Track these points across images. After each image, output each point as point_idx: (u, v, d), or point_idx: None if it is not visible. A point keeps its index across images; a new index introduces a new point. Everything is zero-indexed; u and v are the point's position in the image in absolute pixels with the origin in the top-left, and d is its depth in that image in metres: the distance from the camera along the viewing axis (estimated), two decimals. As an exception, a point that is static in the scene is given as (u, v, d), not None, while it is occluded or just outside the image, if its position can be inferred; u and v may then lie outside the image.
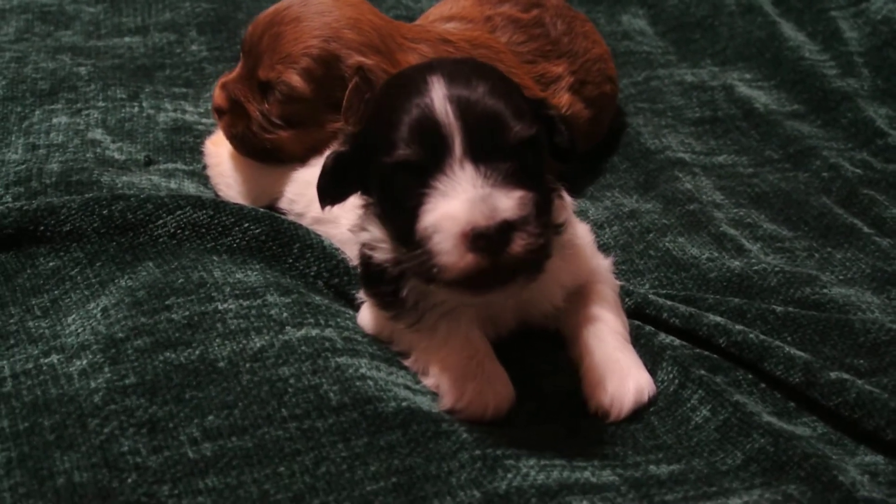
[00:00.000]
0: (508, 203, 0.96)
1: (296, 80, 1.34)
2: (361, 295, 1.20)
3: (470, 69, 1.05)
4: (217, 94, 1.43)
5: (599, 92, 1.67)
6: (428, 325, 1.13)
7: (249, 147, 1.43)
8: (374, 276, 1.14)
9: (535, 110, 1.08)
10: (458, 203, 0.96)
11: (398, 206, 1.03)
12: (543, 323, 1.23)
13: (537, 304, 1.19)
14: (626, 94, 1.93)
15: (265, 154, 1.42)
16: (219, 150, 1.53)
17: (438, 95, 1.00)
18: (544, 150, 1.09)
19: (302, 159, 1.39)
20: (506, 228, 0.96)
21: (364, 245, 1.14)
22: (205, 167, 1.58)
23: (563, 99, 1.59)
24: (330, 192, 1.11)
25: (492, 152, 0.99)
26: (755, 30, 2.09)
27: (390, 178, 1.03)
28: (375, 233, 1.12)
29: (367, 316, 1.19)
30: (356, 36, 1.36)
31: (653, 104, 1.90)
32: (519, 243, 0.97)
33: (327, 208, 1.15)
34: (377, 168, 1.04)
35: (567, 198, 1.20)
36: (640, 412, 1.14)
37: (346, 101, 1.34)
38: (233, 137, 1.44)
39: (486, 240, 0.95)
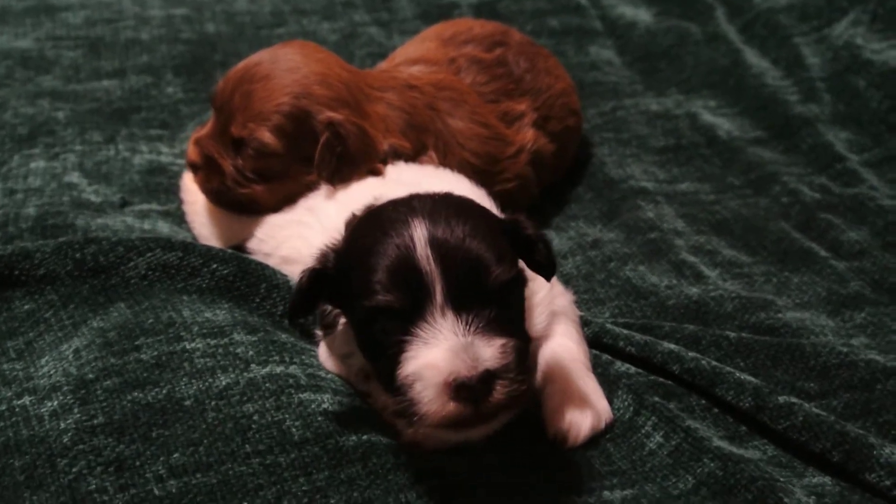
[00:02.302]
0: (490, 352, 0.97)
1: (268, 136, 1.38)
2: (319, 333, 1.23)
3: (449, 209, 1.04)
4: (191, 151, 1.46)
5: (563, 126, 1.72)
6: None
7: (225, 200, 1.46)
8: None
9: (512, 233, 1.07)
10: (440, 352, 0.96)
11: (378, 349, 1.03)
12: None
13: None
14: (592, 125, 1.97)
15: (240, 206, 1.45)
16: (195, 188, 1.56)
17: (420, 240, 0.99)
18: (524, 285, 1.09)
19: (276, 210, 1.43)
20: (488, 378, 0.96)
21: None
22: (180, 203, 1.61)
23: (527, 135, 1.63)
24: (302, 307, 1.11)
25: (473, 298, 0.98)
26: (719, 57, 2.12)
27: (370, 321, 1.02)
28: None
29: (325, 355, 1.23)
30: (325, 91, 1.40)
31: (618, 134, 1.94)
32: (500, 391, 0.97)
33: (294, 249, 1.17)
34: (356, 309, 1.03)
35: (532, 280, 1.17)
36: (596, 439, 1.18)
37: (318, 157, 1.37)
38: (208, 192, 1.47)
39: (468, 390, 0.95)
